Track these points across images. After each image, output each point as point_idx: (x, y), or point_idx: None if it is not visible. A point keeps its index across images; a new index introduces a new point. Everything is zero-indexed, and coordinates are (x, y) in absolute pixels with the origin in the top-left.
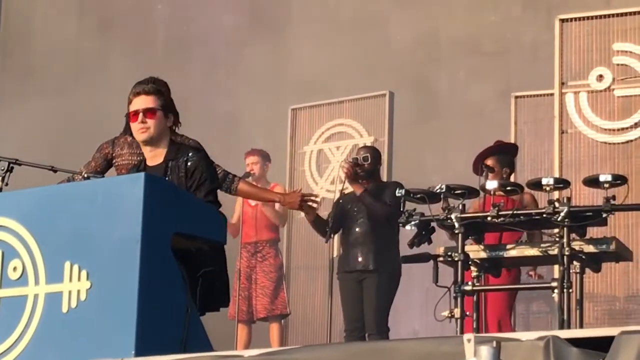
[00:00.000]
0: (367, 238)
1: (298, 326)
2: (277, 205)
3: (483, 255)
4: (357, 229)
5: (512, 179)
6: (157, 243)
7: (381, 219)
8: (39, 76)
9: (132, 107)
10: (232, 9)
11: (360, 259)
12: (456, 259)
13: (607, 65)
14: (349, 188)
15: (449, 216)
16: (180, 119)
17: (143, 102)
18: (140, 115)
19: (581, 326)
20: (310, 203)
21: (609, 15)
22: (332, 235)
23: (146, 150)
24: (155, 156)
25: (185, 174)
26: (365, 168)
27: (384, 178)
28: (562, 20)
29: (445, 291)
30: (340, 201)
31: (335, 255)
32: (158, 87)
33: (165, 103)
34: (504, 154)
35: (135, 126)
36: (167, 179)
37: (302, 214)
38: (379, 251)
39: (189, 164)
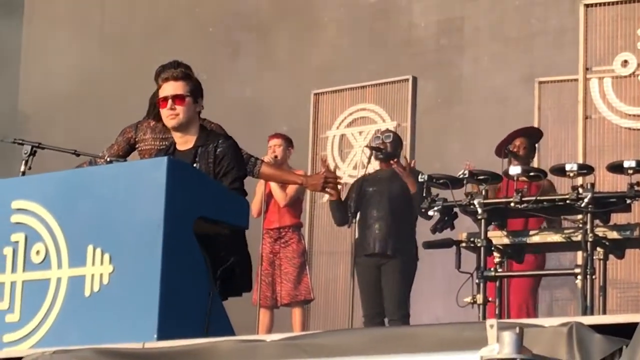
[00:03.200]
0: (385, 222)
1: (320, 311)
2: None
3: (506, 241)
4: (375, 212)
5: (535, 164)
6: (179, 227)
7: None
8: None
9: (162, 93)
10: None
11: (378, 244)
12: (479, 244)
13: (632, 50)
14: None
15: (471, 202)
16: (203, 104)
17: (172, 88)
18: (170, 101)
19: (604, 313)
20: (333, 185)
21: (634, 0)
22: (353, 220)
23: (177, 136)
24: (185, 142)
25: (214, 161)
26: (386, 150)
27: None
28: (587, 6)
29: (468, 277)
30: (361, 184)
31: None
32: (187, 72)
33: (194, 88)
34: (533, 137)
35: (164, 112)
36: (195, 164)
37: (325, 197)
38: (397, 236)
39: (218, 150)
